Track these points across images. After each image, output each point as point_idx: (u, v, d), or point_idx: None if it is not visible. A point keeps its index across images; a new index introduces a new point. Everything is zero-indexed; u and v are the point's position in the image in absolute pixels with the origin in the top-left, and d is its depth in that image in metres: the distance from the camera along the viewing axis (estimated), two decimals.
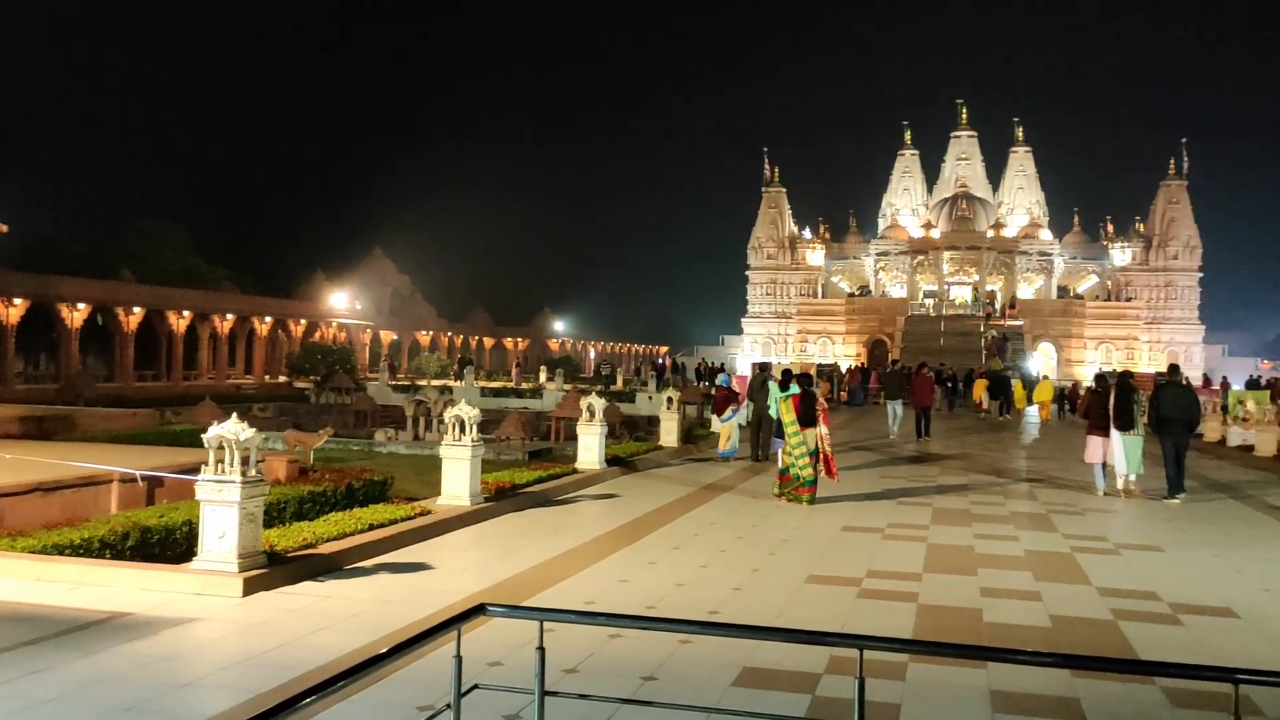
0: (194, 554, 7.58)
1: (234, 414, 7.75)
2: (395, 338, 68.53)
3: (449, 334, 75.34)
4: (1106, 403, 13.83)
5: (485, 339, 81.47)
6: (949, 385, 35.83)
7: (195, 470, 7.74)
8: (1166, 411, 13.62)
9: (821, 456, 12.47)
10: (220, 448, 7.35)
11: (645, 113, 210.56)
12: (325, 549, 8.25)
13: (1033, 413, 32.94)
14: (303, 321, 54.26)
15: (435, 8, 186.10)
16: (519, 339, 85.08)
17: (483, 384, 42.26)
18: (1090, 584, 8.19)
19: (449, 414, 11.15)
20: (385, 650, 3.34)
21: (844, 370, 46.21)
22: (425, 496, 11.18)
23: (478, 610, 3.81)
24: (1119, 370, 15.51)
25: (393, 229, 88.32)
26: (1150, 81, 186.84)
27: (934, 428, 24.14)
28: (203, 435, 7.54)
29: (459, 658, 3.65)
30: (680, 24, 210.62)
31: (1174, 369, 15.26)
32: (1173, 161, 63.68)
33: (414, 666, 5.37)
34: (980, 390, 33.97)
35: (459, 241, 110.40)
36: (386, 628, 6.33)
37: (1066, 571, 8.70)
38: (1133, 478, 13.61)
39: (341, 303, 59.36)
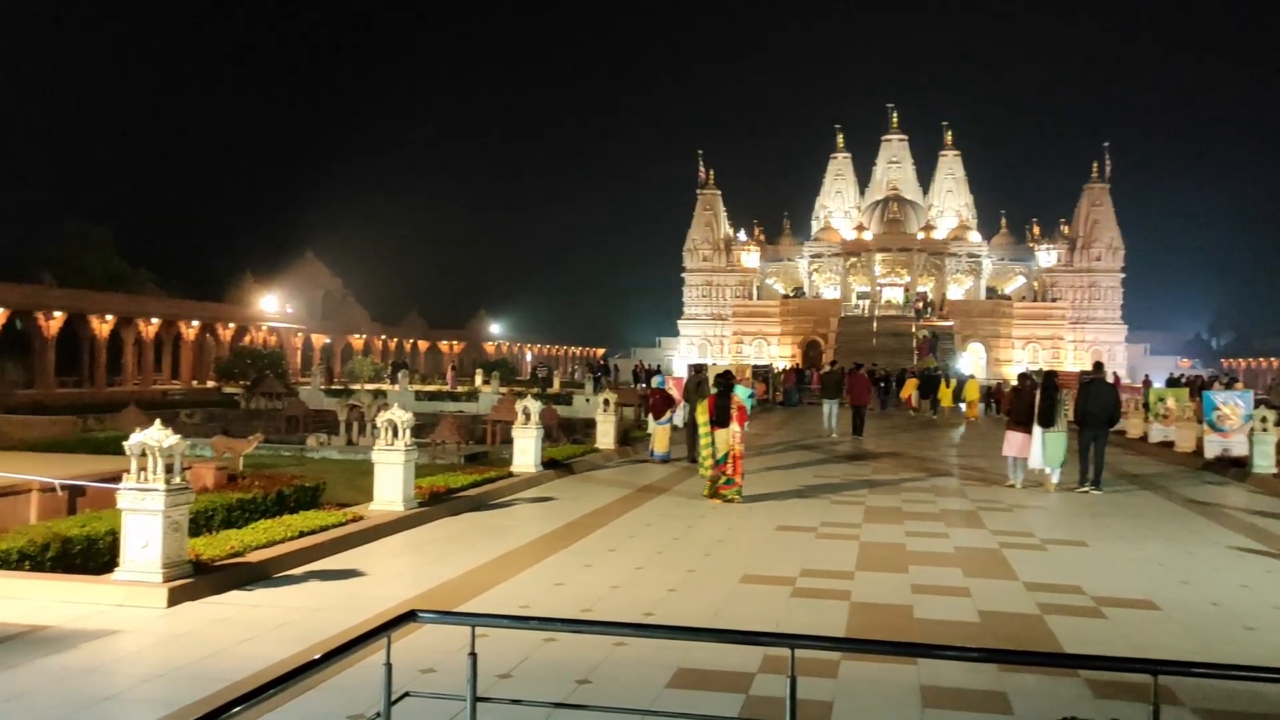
0: (117, 565, 7.38)
1: (158, 420, 7.57)
2: (328, 341, 67.53)
3: (383, 337, 74.43)
4: (1026, 400, 14.37)
5: (420, 342, 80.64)
6: (881, 385, 36.46)
7: (118, 479, 7.54)
8: (1090, 407, 14.24)
9: (730, 456, 12.58)
10: (143, 455, 7.17)
11: (580, 115, 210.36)
12: (254, 557, 8.09)
13: (960, 411, 33.71)
14: (231, 325, 53.19)
15: (370, 7, 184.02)
16: (454, 342, 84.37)
17: (417, 387, 41.86)
18: (1018, 579, 8.36)
19: (381, 418, 11.01)
20: (314, 659, 3.29)
21: (779, 371, 46.63)
22: (358, 502, 11.03)
23: (408, 617, 3.76)
24: (1043, 369, 16.02)
25: (325, 231, 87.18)
26: (1074, 87, 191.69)
27: (868, 426, 24.61)
28: (125, 443, 7.35)
29: (389, 665, 3.61)
30: (615, 26, 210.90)
31: (1098, 366, 16.00)
32: (1095, 165, 65.50)
33: (344, 675, 5.29)
34: (911, 389, 35.26)
35: (393, 244, 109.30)
36: (316, 636, 6.23)
37: (995, 567, 8.86)
38: (1054, 471, 14.07)
39: (272, 306, 58.34)
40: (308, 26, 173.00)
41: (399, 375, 42.78)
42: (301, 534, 8.98)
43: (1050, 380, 14.68)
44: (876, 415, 31.52)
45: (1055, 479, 14.13)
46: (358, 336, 70.33)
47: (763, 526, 10.88)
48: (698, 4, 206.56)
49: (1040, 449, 13.97)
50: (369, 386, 38.13)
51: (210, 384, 45.59)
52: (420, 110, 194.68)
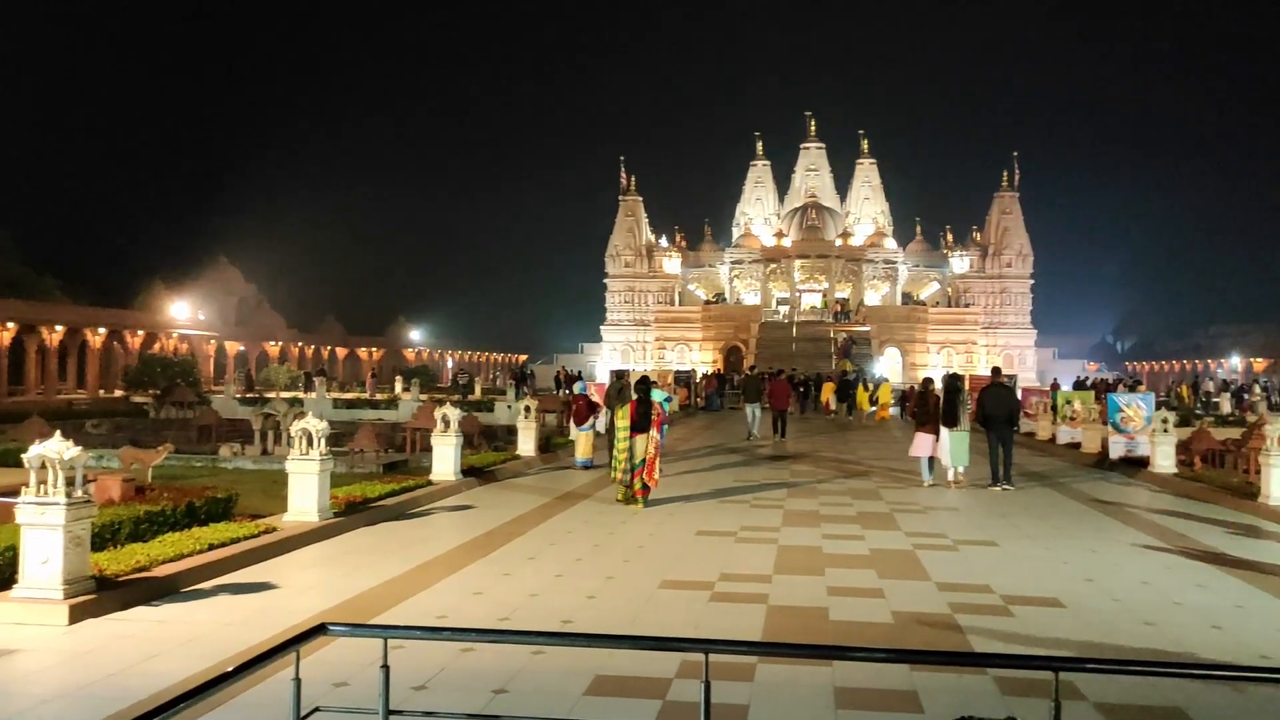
0: (15, 582, 7.11)
1: (58, 431, 7.32)
2: (241, 349, 66.04)
3: (299, 344, 73.07)
4: (930, 404, 15.32)
5: (338, 349, 79.35)
6: (801, 390, 37.14)
7: (17, 492, 7.26)
8: (990, 410, 15.28)
9: (647, 462, 12.76)
10: (43, 467, 6.92)
11: (502, 119, 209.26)
12: (161, 571, 7.87)
13: (873, 414, 34.62)
14: (140, 333, 51.67)
15: (286, 8, 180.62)
16: (374, 348, 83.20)
17: (335, 395, 41.18)
18: (930, 580, 8.54)
19: (296, 427, 10.81)
20: (219, 675, 3.21)
21: (701, 376, 46.93)
22: (272, 513, 10.80)
23: (318, 630, 3.69)
24: (950, 373, 16.59)
25: (239, 236, 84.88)
26: (986, 97, 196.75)
27: (788, 429, 25.11)
28: (24, 455, 7.09)
29: (298, 680, 3.54)
30: (537, 28, 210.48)
31: (996, 371, 17.01)
32: (1005, 174, 67.31)
33: (253, 691, 5.17)
34: (828, 393, 36.41)
35: (310, 249, 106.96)
36: (225, 652, 6.08)
37: (909, 569, 9.03)
38: (960, 470, 14.98)
39: (183, 313, 56.80)
40: (220, 22, 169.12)
41: (315, 382, 42.04)
42: (211, 547, 8.77)
43: (954, 384, 15.40)
44: (796, 419, 32.08)
45: (960, 476, 15.02)
46: (273, 343, 68.92)
47: (683, 531, 10.93)
48: (619, 11, 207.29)
49: (946, 447, 14.84)
50: (285, 395, 37.38)
51: (118, 393, 44.21)
52: (338, 115, 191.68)
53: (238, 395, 36.92)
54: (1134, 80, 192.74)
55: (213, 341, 62.13)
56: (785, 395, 25.72)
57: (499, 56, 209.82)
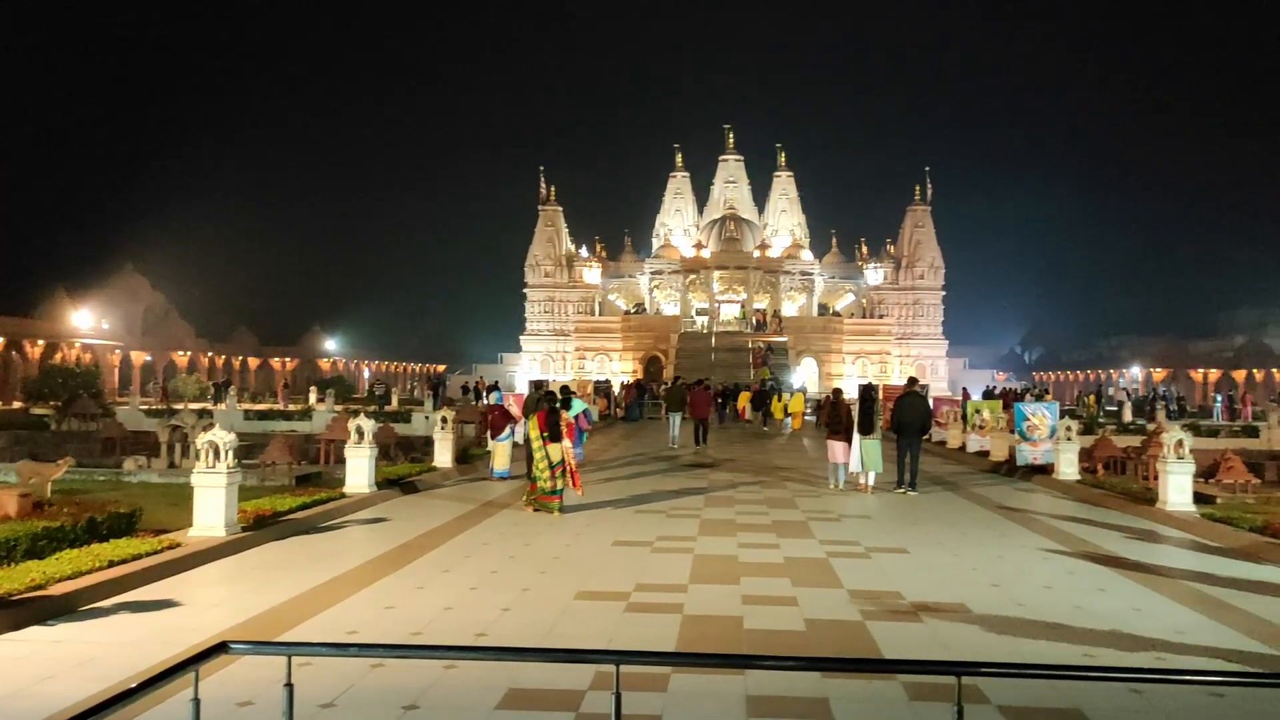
0: None
1: None
2: (148, 359, 64.14)
3: (209, 354, 71.28)
4: (842, 412, 15.92)
5: (250, 359, 77.62)
6: (719, 400, 37.68)
7: None
8: (904, 418, 15.96)
9: (566, 469, 13.05)
10: None
11: (421, 129, 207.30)
12: (57, 590, 7.58)
13: (788, 423, 35.45)
14: (41, 342, 49.86)
15: (198, 11, 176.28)
16: (288, 359, 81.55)
17: (247, 406, 40.26)
18: (843, 587, 8.66)
19: (202, 439, 10.53)
20: (113, 696, 3.10)
21: (621, 386, 46.96)
22: (178, 528, 10.50)
23: (219, 649, 3.60)
24: (865, 383, 17.11)
25: (147, 243, 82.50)
26: (899, 112, 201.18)
27: (708, 437, 25.73)
28: None
29: (196, 700, 3.44)
30: (456, 39, 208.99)
31: (912, 381, 17.73)
32: (918, 188, 68.80)
33: (151, 714, 5.01)
34: (744, 402, 37.58)
35: (222, 258, 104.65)
36: (123, 672, 5.88)
37: (822, 576, 9.15)
38: (872, 476, 15.55)
39: (86, 322, 54.99)
40: (127, 22, 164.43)
41: (224, 393, 41.04)
42: (112, 563, 8.48)
43: (868, 393, 16.05)
44: (715, 427, 32.32)
45: (871, 481, 15.60)
46: (182, 353, 67.11)
47: (600, 542, 10.92)
48: (540, 22, 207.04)
49: (859, 454, 15.43)
50: (193, 406, 36.40)
51: (17, 405, 42.54)
52: (252, 121, 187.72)
53: (144, 407, 35.86)
54: (1042, 99, 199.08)
55: (118, 351, 60.27)
56: (706, 404, 26.44)
57: (418, 65, 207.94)
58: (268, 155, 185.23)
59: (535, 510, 13.03)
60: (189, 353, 68.02)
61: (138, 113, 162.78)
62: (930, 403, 35.64)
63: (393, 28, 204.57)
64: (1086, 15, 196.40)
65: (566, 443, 13.12)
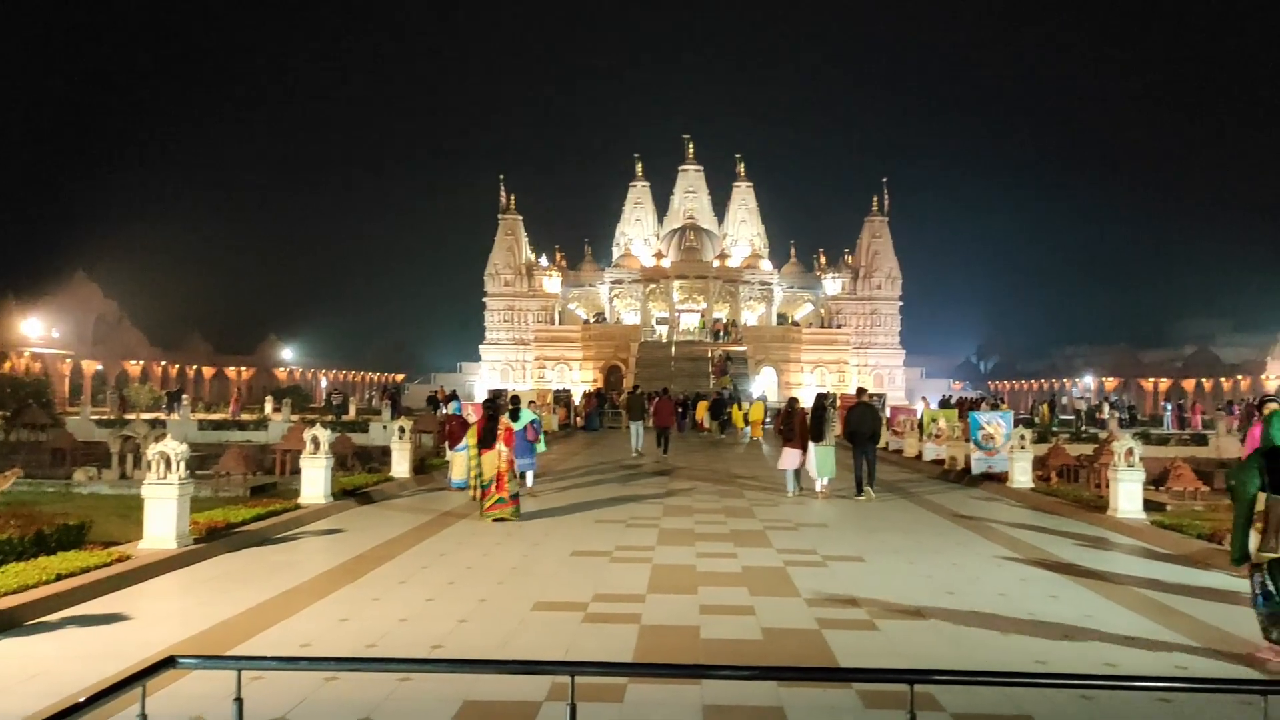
0: None
1: None
2: (99, 368, 63.05)
3: (163, 363, 70.23)
4: (797, 421, 16.48)
5: (205, 368, 76.56)
6: (680, 409, 37.78)
7: None
8: (855, 426, 16.51)
9: (498, 476, 13.17)
10: None
11: (380, 137, 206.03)
12: (3, 604, 7.41)
13: (748, 431, 35.88)
14: None
15: (148, 13, 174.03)
16: (243, 368, 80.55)
17: (201, 416, 39.73)
18: (799, 595, 8.70)
19: (153, 450, 10.37)
20: (58, 712, 3.04)
21: (581, 395, 46.89)
22: (129, 540, 10.33)
23: (167, 663, 3.54)
24: (820, 393, 17.51)
25: (98, 250, 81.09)
26: (857, 124, 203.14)
27: (670, 446, 26.11)
28: None
29: (143, 716, 3.38)
30: (415, 47, 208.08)
31: (861, 391, 18.53)
32: (875, 199, 69.45)
33: None
34: (703, 412, 37.94)
35: (176, 265, 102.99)
36: (69, 688, 5.77)
37: (779, 585, 9.18)
38: (825, 481, 16.07)
39: (36, 330, 53.97)
40: (77, 21, 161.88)
41: (175, 403, 40.45)
42: (60, 577, 8.32)
43: (821, 402, 16.76)
44: (675, 436, 32.46)
45: (825, 487, 16.15)
46: (134, 362, 66.07)
47: (558, 552, 10.88)
48: (499, 31, 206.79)
49: (812, 461, 15.99)
50: (146, 416, 35.84)
51: None
52: (207, 127, 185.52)
53: (95, 417, 35.23)
54: (998, 112, 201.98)
55: (68, 360, 59.19)
56: (669, 413, 27.18)
57: (377, 72, 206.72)
58: (223, 161, 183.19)
59: (494, 520, 13.10)
60: (141, 361, 66.97)
61: (88, 115, 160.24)
62: (889, 411, 36.19)
63: (351, 33, 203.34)
64: (1041, 31, 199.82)
65: (503, 449, 13.26)
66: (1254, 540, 6.66)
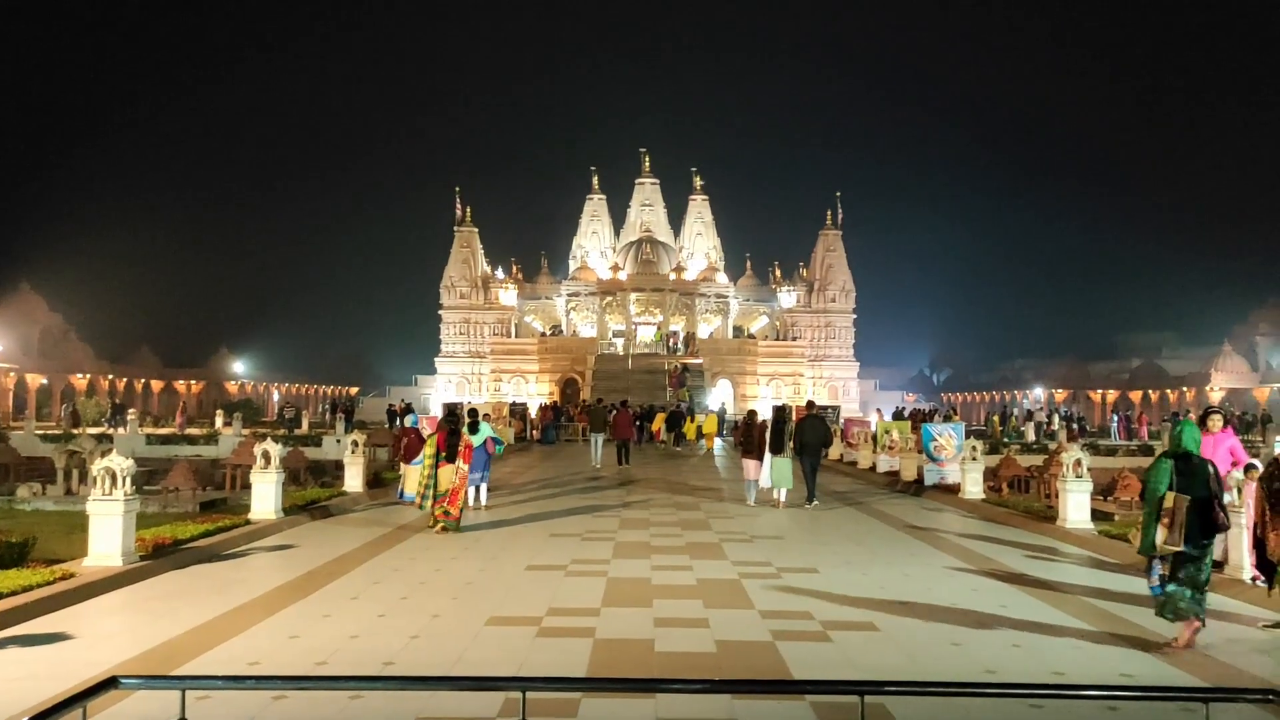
0: None
1: None
2: (44, 382, 61.80)
3: (110, 377, 68.96)
4: (755, 433, 16.91)
5: (153, 381, 75.32)
6: (637, 422, 37.97)
7: None
8: (806, 438, 17.11)
9: (451, 490, 13.50)
10: None
11: (334, 148, 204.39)
12: None
13: (703, 443, 36.50)
14: None
15: (103, 18, 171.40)
16: (193, 381, 79.34)
17: (149, 430, 39.07)
18: (754, 608, 8.72)
19: (98, 465, 10.17)
20: None
21: (537, 408, 46.71)
22: (74, 558, 10.13)
23: (109, 684, 3.47)
24: (778, 405, 17.80)
25: (43, 262, 79.43)
26: (812, 137, 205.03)
27: (630, 457, 26.75)
28: None
29: None
30: (369, 60, 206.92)
31: (811, 404, 19.25)
32: (830, 213, 70.10)
33: None
34: (659, 424, 38.66)
35: (123, 276, 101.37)
36: (10, 709, 5.63)
37: (734, 598, 9.20)
38: (783, 492, 16.43)
39: None
40: (24, 27, 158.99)
41: (121, 417, 39.73)
42: (1, 595, 8.13)
43: (780, 415, 16.92)
44: (634, 448, 32.61)
45: (782, 497, 16.46)
46: (81, 376, 64.82)
47: (513, 566, 10.82)
48: (454, 40, 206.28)
49: (769, 472, 16.40)
50: (93, 430, 35.17)
51: None
52: (156, 135, 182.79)
53: (40, 432, 34.53)
54: (948, 128, 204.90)
55: (12, 374, 57.96)
56: (628, 426, 27.97)
57: (329, 82, 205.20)
58: (174, 171, 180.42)
59: (442, 530, 13.29)
60: (88, 375, 65.74)
61: (31, 122, 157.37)
62: (843, 423, 36.50)
63: (303, 42, 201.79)
64: (989, 48, 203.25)
65: (461, 465, 13.65)
66: (1160, 534, 7.41)
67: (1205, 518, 7.41)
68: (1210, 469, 7.58)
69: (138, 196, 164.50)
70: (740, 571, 10.55)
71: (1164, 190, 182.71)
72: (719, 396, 56.70)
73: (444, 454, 13.65)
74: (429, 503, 13.60)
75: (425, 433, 18.99)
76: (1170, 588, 7.48)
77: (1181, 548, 7.35)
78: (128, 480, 10.10)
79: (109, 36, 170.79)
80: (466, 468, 13.77)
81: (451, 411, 16.52)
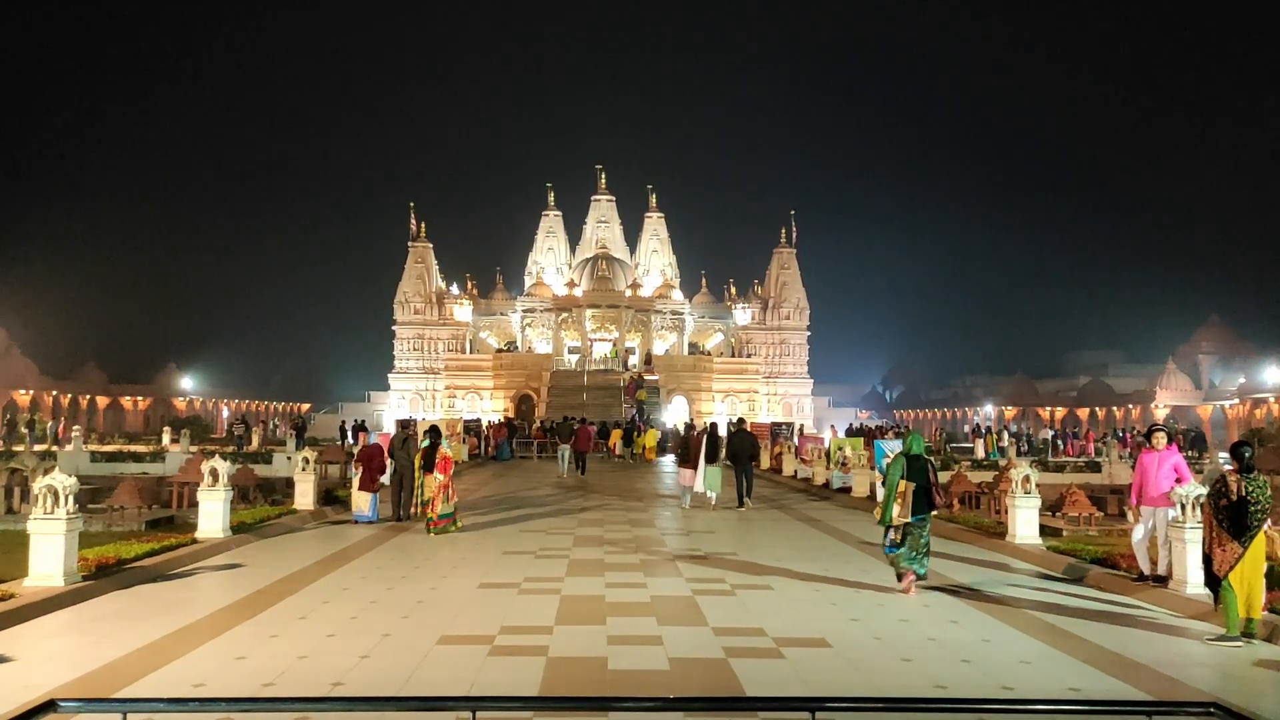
0: None
1: None
2: None
3: (54, 393, 67.60)
4: (693, 445, 19.35)
5: (99, 397, 73.94)
6: (597, 437, 39.29)
7: None
8: (737, 449, 19.97)
9: (432, 499, 15.27)
10: None
11: (287, 162, 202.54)
12: None
13: (643, 455, 39.67)
14: None
15: (59, 22, 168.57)
16: (139, 397, 78.00)
17: (95, 447, 38.31)
18: (707, 625, 8.72)
19: (39, 484, 9.95)
20: None
21: (488, 425, 46.46)
22: (13, 578, 9.88)
23: (47, 707, 3.38)
24: (710, 421, 19.57)
25: None
26: (766, 157, 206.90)
27: (588, 468, 30.23)
28: None
29: None
30: (324, 73, 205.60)
31: (741, 421, 21.88)
32: (784, 231, 70.71)
33: None
34: (615, 439, 41.27)
35: (68, 290, 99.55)
36: None
37: (687, 615, 9.19)
38: (714, 495, 18.98)
39: None
40: None
41: (64, 433, 38.91)
42: None
43: (713, 430, 19.80)
44: (593, 460, 35.21)
45: (714, 500, 19.05)
46: (23, 392, 63.48)
47: (466, 584, 10.73)
48: (409, 57, 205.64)
49: (703, 478, 18.85)
50: (36, 448, 34.39)
51: None
52: (103, 145, 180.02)
53: None
54: (899, 148, 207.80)
55: None
56: (588, 440, 31.18)
57: (282, 97, 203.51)
58: (120, 182, 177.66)
59: (436, 534, 14.87)
60: (31, 391, 64.39)
61: None
62: (797, 440, 36.82)
63: (256, 54, 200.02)
64: (941, 70, 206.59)
65: (439, 475, 15.30)
66: (896, 509, 10.26)
67: (926, 498, 10.26)
68: (929, 464, 10.44)
69: (84, 209, 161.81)
70: (694, 588, 10.53)
71: (1110, 210, 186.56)
72: (674, 413, 56.81)
73: (425, 465, 15.53)
74: (419, 509, 15.66)
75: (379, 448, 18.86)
76: (900, 550, 10.23)
77: (910, 519, 10.16)
78: (70, 498, 9.88)
79: (47, 45, 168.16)
80: (445, 476, 15.37)
81: (435, 426, 17.64)
